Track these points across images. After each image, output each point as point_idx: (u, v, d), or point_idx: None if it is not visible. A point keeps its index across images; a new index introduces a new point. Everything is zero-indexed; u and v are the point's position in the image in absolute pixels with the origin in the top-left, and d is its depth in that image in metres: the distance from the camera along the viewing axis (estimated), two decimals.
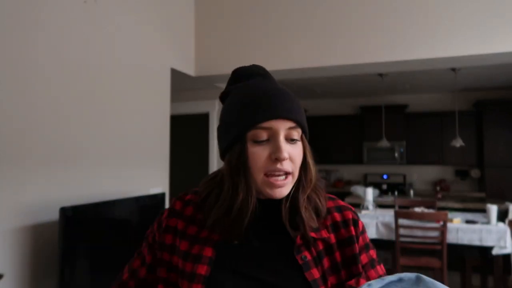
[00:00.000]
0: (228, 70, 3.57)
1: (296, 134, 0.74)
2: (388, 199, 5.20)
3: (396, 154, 6.36)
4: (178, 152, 3.17)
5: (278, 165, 0.71)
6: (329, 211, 0.80)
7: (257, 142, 0.72)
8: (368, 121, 6.53)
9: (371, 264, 0.78)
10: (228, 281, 0.71)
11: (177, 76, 3.09)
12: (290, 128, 0.72)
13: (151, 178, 2.61)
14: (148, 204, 2.28)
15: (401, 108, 6.42)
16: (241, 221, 0.73)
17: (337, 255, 0.76)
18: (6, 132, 1.66)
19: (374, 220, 3.81)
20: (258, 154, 0.72)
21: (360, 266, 0.75)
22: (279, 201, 0.75)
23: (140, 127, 2.51)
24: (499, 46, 2.49)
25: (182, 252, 0.76)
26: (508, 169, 5.65)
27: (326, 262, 0.75)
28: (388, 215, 3.99)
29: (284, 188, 0.73)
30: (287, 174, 0.73)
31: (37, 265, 1.77)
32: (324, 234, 0.77)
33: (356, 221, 0.80)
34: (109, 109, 2.24)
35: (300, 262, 0.73)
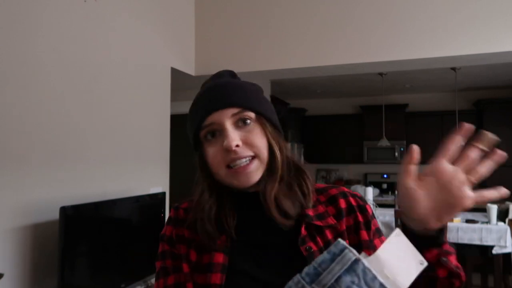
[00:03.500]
0: (228, 69, 3.55)
1: (247, 116, 0.71)
2: (388, 198, 5.20)
3: (396, 154, 6.36)
4: (178, 152, 3.17)
5: (233, 154, 0.69)
6: (333, 199, 0.77)
7: (209, 139, 0.72)
8: (368, 121, 6.53)
9: None
10: (241, 286, 0.69)
11: (177, 76, 3.09)
12: (235, 114, 0.70)
13: (152, 177, 2.61)
14: (149, 204, 2.28)
15: (402, 108, 6.41)
16: (207, 220, 0.72)
17: (347, 242, 0.74)
18: (6, 131, 1.66)
19: None
20: (212, 150, 0.72)
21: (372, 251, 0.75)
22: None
23: (141, 127, 2.51)
24: (499, 45, 2.48)
25: (193, 263, 0.72)
26: (509, 168, 5.64)
27: None
28: (388, 215, 3.99)
29: (249, 173, 0.70)
30: (250, 160, 0.70)
31: (37, 264, 1.77)
32: (331, 221, 0.74)
33: (364, 207, 0.77)
34: (109, 109, 2.24)
35: (305, 253, 0.69)
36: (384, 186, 6.51)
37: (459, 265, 0.64)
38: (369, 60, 2.77)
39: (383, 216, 3.93)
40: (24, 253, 1.72)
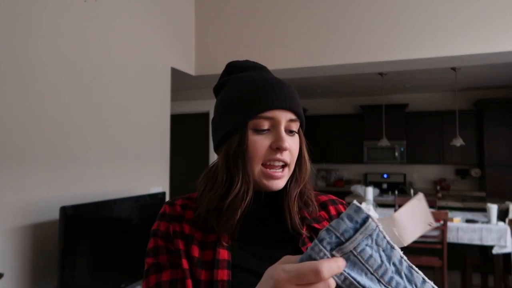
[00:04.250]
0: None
1: (295, 126, 0.74)
2: (389, 198, 5.19)
3: (396, 153, 6.36)
4: (178, 152, 3.17)
5: (278, 155, 0.71)
6: (324, 205, 0.82)
7: (258, 131, 0.71)
8: (368, 121, 6.53)
9: None
10: (246, 284, 0.68)
11: (177, 76, 3.09)
12: (291, 120, 0.72)
13: (152, 177, 2.61)
14: (149, 203, 2.28)
15: (402, 107, 6.41)
16: (234, 213, 0.71)
17: None
18: (6, 131, 1.66)
19: None
20: (260, 142, 0.71)
21: None
22: (275, 194, 0.75)
23: (141, 126, 2.51)
24: (499, 45, 2.48)
25: (196, 259, 0.70)
26: (509, 168, 5.65)
27: None
28: (388, 214, 3.98)
29: (281, 180, 0.73)
30: (284, 166, 0.73)
31: (38, 264, 1.77)
32: (326, 224, 0.77)
33: None
34: (109, 108, 2.24)
35: None
36: (384, 186, 6.51)
37: None
38: (369, 60, 2.77)
39: (384, 216, 3.93)
40: (24, 253, 1.72)
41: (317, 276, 0.44)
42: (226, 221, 0.71)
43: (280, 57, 2.95)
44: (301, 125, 0.76)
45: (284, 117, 0.71)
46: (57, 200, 1.84)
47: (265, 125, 0.71)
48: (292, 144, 0.73)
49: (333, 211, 0.82)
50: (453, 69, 4.73)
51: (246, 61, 0.83)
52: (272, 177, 0.72)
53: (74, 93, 2.01)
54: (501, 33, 2.48)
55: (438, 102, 6.45)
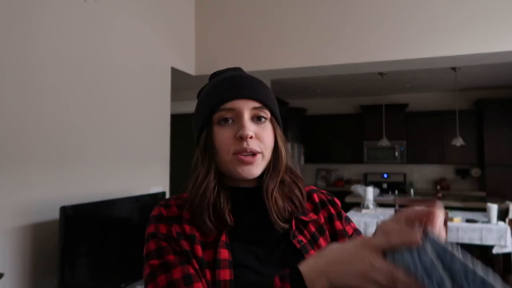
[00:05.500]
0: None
1: (264, 113, 0.74)
2: (389, 198, 5.19)
3: (397, 153, 6.36)
4: (178, 151, 3.17)
5: (244, 144, 0.71)
6: (309, 194, 0.84)
7: (222, 123, 0.73)
8: (368, 120, 6.53)
9: (357, 233, 0.83)
10: (247, 283, 0.68)
11: (177, 75, 3.09)
12: (256, 108, 0.73)
13: (152, 177, 2.61)
14: (149, 203, 2.28)
15: (402, 107, 6.41)
16: (204, 204, 0.72)
17: (327, 233, 0.79)
18: (6, 131, 1.66)
19: (375, 219, 3.81)
20: (224, 134, 0.73)
21: (347, 238, 0.80)
22: (260, 188, 0.76)
23: (141, 126, 2.51)
24: (499, 45, 2.48)
25: (200, 259, 0.70)
26: (509, 168, 5.65)
27: (322, 242, 0.77)
28: (388, 214, 3.98)
29: (253, 166, 0.72)
30: (255, 154, 0.72)
31: (37, 264, 1.77)
32: (313, 216, 0.80)
33: (333, 200, 0.86)
34: (109, 108, 2.24)
35: (298, 246, 0.74)
36: (384, 186, 6.51)
37: None
38: (369, 59, 2.77)
39: (384, 216, 3.93)
40: (24, 253, 1.72)
41: None
42: (200, 216, 0.72)
43: (280, 57, 2.95)
44: (274, 115, 0.77)
45: (247, 105, 0.72)
46: (57, 200, 1.84)
47: (228, 116, 0.73)
48: (260, 132, 0.73)
49: (316, 199, 0.84)
50: (453, 69, 4.73)
51: (226, 69, 0.84)
52: (243, 162, 0.72)
53: (74, 93, 2.01)
54: (501, 33, 2.48)
55: (438, 102, 6.45)
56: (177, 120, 3.34)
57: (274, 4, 3.00)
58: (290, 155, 0.82)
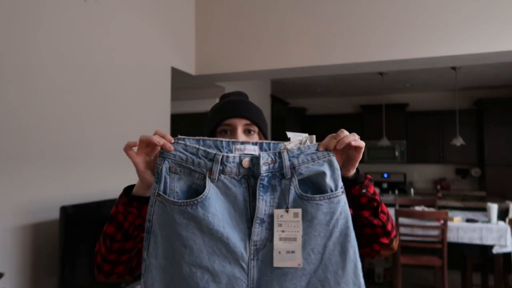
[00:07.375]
0: (228, 69, 3.54)
1: (252, 128, 0.99)
2: (389, 198, 5.19)
3: (397, 153, 6.36)
4: None
5: None
6: None
7: (223, 134, 1.00)
8: (368, 120, 6.53)
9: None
10: None
11: (177, 75, 3.09)
12: (247, 124, 0.99)
13: None
14: None
15: (402, 107, 6.41)
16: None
17: None
18: (7, 131, 1.66)
19: None
20: None
21: None
22: None
23: (141, 126, 2.51)
24: (499, 45, 2.48)
25: None
26: (509, 168, 5.65)
27: None
28: None
29: None
30: None
31: (38, 264, 1.78)
32: None
33: None
34: (109, 108, 2.24)
35: None
36: (385, 185, 6.51)
37: (376, 192, 0.89)
38: (369, 59, 2.76)
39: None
40: (25, 253, 1.72)
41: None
42: None
43: (280, 57, 2.94)
44: (261, 129, 1.01)
45: (240, 123, 0.98)
46: (57, 200, 1.84)
47: (227, 129, 0.99)
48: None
49: None
50: (453, 68, 4.73)
51: (233, 92, 1.11)
52: None
53: (75, 93, 2.01)
54: (501, 32, 2.48)
55: (438, 101, 6.44)
56: (177, 120, 3.34)
57: (274, 4, 3.00)
58: None
